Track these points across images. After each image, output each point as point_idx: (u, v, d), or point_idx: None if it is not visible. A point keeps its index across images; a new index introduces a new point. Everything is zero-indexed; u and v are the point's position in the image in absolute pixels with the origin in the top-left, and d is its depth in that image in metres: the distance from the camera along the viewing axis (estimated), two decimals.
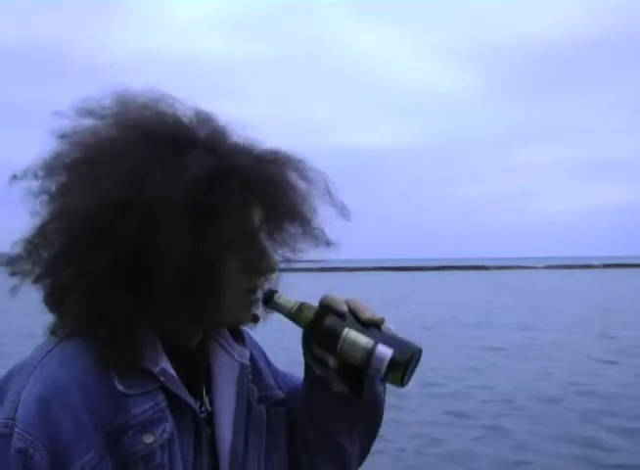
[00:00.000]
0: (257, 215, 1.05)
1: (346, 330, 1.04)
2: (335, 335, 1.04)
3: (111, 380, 0.96)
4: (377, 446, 1.23)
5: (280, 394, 1.22)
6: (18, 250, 1.02)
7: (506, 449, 7.10)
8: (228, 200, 0.99)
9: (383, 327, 1.05)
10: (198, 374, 1.09)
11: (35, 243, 1.01)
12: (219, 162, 1.00)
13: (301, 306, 1.08)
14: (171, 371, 1.01)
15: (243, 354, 1.14)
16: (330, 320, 1.05)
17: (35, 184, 1.03)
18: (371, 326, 1.05)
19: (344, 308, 1.06)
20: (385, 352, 1.01)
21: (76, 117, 1.04)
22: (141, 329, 0.99)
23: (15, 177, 1.04)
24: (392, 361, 1.01)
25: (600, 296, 32.32)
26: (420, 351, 1.03)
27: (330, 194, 1.11)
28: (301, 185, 1.09)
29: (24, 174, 1.04)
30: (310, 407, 1.16)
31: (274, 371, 1.26)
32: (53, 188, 1.02)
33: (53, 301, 1.01)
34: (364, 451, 1.21)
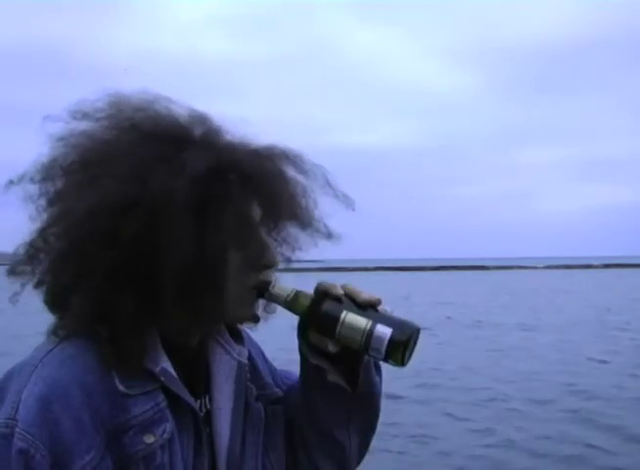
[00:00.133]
0: (257, 212, 1.06)
1: (344, 313, 1.04)
2: (333, 319, 1.04)
3: (111, 380, 0.96)
4: (373, 445, 1.23)
5: (278, 392, 1.22)
6: (19, 254, 1.02)
7: (502, 451, 7.09)
8: (228, 195, 0.99)
9: (380, 308, 1.06)
10: (197, 373, 1.10)
11: (36, 246, 1.01)
12: (217, 158, 1.01)
13: (297, 294, 1.07)
14: (172, 371, 1.01)
15: (241, 353, 1.14)
16: (327, 305, 1.05)
17: (33, 188, 1.04)
18: (368, 308, 1.05)
19: (341, 292, 1.06)
20: (384, 331, 1.01)
21: (71, 120, 1.04)
22: (144, 329, 0.99)
23: (11, 182, 1.05)
24: (392, 341, 1.01)
25: (600, 296, 32.30)
26: (419, 330, 1.04)
27: (330, 186, 1.12)
28: (299, 178, 1.10)
29: (21, 179, 1.04)
30: (307, 401, 1.16)
31: (272, 370, 1.26)
32: (51, 192, 1.03)
33: (54, 301, 1.01)
34: (363, 448, 1.21)
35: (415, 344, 1.04)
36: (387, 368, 1.14)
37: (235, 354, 1.13)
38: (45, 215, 1.02)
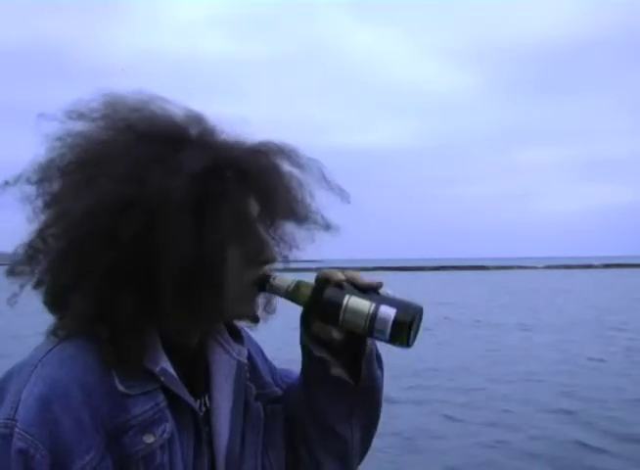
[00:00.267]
0: (254, 208, 1.06)
1: (347, 297, 1.04)
2: (336, 304, 1.04)
3: (111, 380, 0.96)
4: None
5: (277, 391, 1.22)
6: (18, 255, 1.02)
7: (498, 451, 7.08)
8: (225, 192, 1.00)
9: (381, 291, 1.06)
10: (197, 373, 1.10)
11: (35, 247, 1.02)
12: (214, 157, 1.01)
13: (298, 284, 1.08)
14: (171, 371, 1.01)
15: (241, 353, 1.15)
16: (329, 291, 1.05)
17: (29, 189, 1.04)
18: (370, 291, 1.05)
19: (342, 277, 1.06)
20: (388, 312, 1.01)
21: (67, 120, 1.05)
22: (143, 329, 0.99)
23: (7, 183, 1.05)
24: (396, 322, 1.01)
25: (600, 296, 32.28)
26: (422, 310, 1.04)
27: (325, 179, 1.12)
28: (295, 173, 1.10)
29: (17, 180, 1.04)
30: (309, 396, 1.16)
31: (272, 369, 1.26)
32: (49, 193, 1.03)
33: (53, 302, 1.01)
34: (365, 444, 1.20)
35: (419, 324, 1.04)
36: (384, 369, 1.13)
37: (234, 354, 1.13)
38: (43, 216, 1.03)
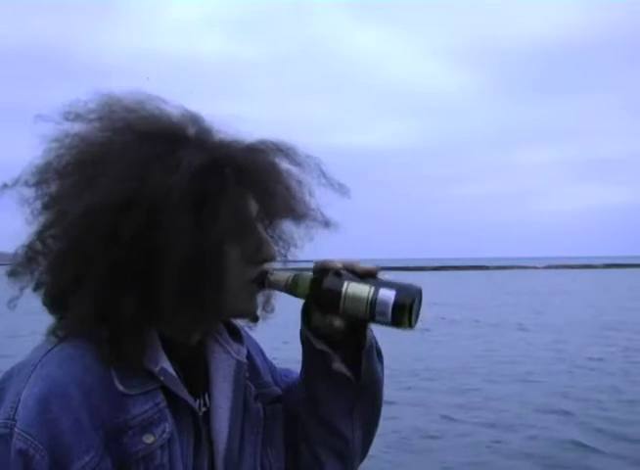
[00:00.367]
0: (254, 207, 1.07)
1: (346, 284, 1.04)
2: (336, 293, 1.04)
3: (110, 380, 0.96)
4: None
5: (277, 391, 1.22)
6: (18, 256, 1.02)
7: (494, 452, 7.07)
8: (224, 188, 1.00)
9: (379, 276, 1.06)
10: (196, 373, 1.10)
11: (35, 249, 1.02)
12: (212, 155, 1.02)
13: (296, 277, 1.08)
14: (171, 371, 1.01)
15: (240, 352, 1.15)
16: (328, 281, 1.05)
17: (28, 191, 1.04)
18: (368, 277, 1.05)
19: (339, 265, 1.06)
20: (388, 295, 1.02)
21: (63, 121, 1.05)
22: (144, 329, 0.99)
23: (5, 186, 1.05)
24: (397, 304, 1.01)
25: (599, 296, 32.28)
26: (421, 290, 1.04)
27: (325, 176, 1.12)
28: (294, 170, 1.11)
29: (16, 182, 1.04)
30: (310, 393, 1.16)
31: (271, 368, 1.26)
32: (47, 194, 1.03)
33: (53, 302, 1.01)
34: (366, 444, 1.20)
35: (420, 305, 1.04)
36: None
37: (233, 353, 1.14)
38: (42, 218, 1.03)
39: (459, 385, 10.53)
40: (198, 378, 1.10)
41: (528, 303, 27.98)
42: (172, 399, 1.00)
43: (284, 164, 1.10)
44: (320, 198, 1.13)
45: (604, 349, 14.32)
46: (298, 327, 1.13)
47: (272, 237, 1.13)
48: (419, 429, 7.85)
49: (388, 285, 1.03)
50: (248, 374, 1.16)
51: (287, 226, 1.15)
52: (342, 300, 1.03)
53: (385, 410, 1.23)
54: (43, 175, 1.04)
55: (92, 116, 1.05)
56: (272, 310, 1.16)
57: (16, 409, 0.91)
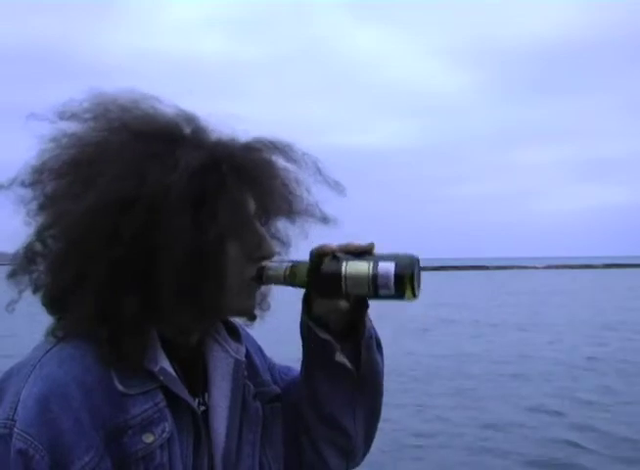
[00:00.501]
0: (252, 205, 1.07)
1: (344, 264, 1.04)
2: (336, 275, 1.04)
3: (110, 380, 0.96)
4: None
5: (276, 389, 1.21)
6: (18, 257, 1.02)
7: (490, 455, 7.06)
8: (223, 187, 1.01)
9: (374, 252, 1.06)
10: (196, 372, 1.10)
11: (34, 250, 1.02)
12: (210, 153, 1.02)
13: (294, 267, 1.08)
14: (171, 370, 1.01)
15: (238, 351, 1.15)
16: (326, 265, 1.05)
17: (24, 192, 1.04)
18: (365, 254, 1.06)
19: (335, 247, 1.07)
20: (387, 267, 1.02)
21: (58, 121, 1.05)
22: (145, 328, 0.99)
23: (1, 186, 1.05)
24: (398, 274, 1.01)
25: (599, 296, 32.27)
26: (418, 258, 1.04)
27: (321, 173, 1.13)
28: (291, 167, 1.11)
29: (12, 182, 1.04)
30: (311, 387, 1.16)
31: (270, 366, 1.26)
32: (45, 194, 1.03)
33: (53, 303, 1.01)
34: (368, 436, 1.20)
35: (419, 273, 1.04)
36: None
37: (232, 352, 1.14)
38: (40, 218, 1.03)
39: (456, 385, 10.52)
40: (197, 377, 1.09)
41: (528, 303, 27.97)
42: (172, 398, 1.00)
43: (281, 162, 1.10)
44: (318, 195, 1.14)
45: (602, 349, 14.32)
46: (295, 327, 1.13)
47: (270, 234, 1.13)
48: (413, 429, 7.84)
49: (386, 258, 1.04)
50: (246, 373, 1.16)
51: (283, 224, 1.15)
52: (344, 280, 1.04)
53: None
54: (39, 175, 1.04)
55: (87, 115, 1.05)
56: (268, 308, 1.16)
57: (15, 409, 0.91)
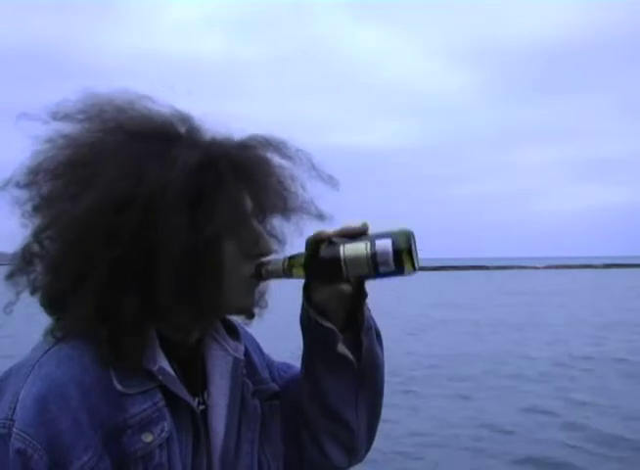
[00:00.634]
0: (248, 203, 1.07)
1: (342, 247, 1.05)
2: (335, 258, 1.05)
3: (109, 379, 0.96)
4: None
5: (274, 387, 1.21)
6: (16, 259, 1.02)
7: (485, 458, 7.04)
8: (220, 184, 1.01)
9: (369, 232, 1.07)
10: (195, 371, 1.10)
11: (32, 251, 1.02)
12: (206, 152, 1.03)
13: (292, 259, 1.09)
14: (169, 370, 1.01)
15: (237, 349, 1.15)
16: (323, 250, 1.06)
17: (19, 193, 1.04)
18: (360, 235, 1.06)
19: (330, 232, 1.07)
20: (384, 243, 1.03)
21: (52, 122, 1.05)
22: (143, 328, 0.99)
23: None
24: (396, 249, 1.02)
25: (599, 296, 32.26)
26: (412, 232, 1.05)
27: (315, 169, 1.13)
28: (285, 164, 1.12)
29: (7, 183, 1.04)
30: (313, 382, 1.16)
31: (269, 364, 1.26)
32: (41, 195, 1.03)
33: (52, 304, 1.01)
34: (370, 431, 1.20)
35: (416, 246, 1.05)
36: None
37: (231, 351, 1.14)
38: (36, 220, 1.03)
39: (452, 385, 10.51)
40: (196, 376, 1.10)
41: (528, 303, 27.98)
42: (171, 398, 1.00)
43: (276, 159, 1.11)
44: (314, 192, 1.14)
45: (601, 349, 14.32)
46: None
47: (266, 232, 1.13)
48: (409, 430, 7.83)
49: (381, 235, 1.05)
50: (245, 371, 1.16)
51: (279, 221, 1.16)
52: (343, 263, 1.04)
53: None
54: (34, 176, 1.03)
55: (81, 116, 1.05)
56: (266, 305, 1.17)
57: (14, 409, 0.91)
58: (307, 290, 1.11)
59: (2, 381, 0.98)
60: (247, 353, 1.18)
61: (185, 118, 1.08)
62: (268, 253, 1.09)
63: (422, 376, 11.25)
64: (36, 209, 1.03)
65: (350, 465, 1.22)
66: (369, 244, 1.03)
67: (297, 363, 1.22)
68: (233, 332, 1.17)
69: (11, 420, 0.91)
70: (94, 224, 0.96)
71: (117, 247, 0.96)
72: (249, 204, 1.07)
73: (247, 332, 1.23)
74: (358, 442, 1.19)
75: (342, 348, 1.11)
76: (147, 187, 0.97)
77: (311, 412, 1.17)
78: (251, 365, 1.19)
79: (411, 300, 30.22)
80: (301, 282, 1.11)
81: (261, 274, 1.08)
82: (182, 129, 1.06)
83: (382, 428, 1.23)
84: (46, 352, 0.97)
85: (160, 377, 0.99)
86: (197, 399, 1.07)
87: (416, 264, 1.04)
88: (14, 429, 0.90)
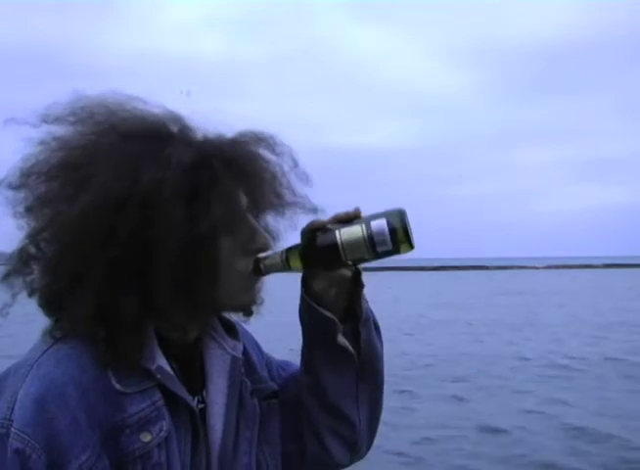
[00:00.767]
0: (243, 199, 1.08)
1: (338, 233, 1.05)
2: (332, 244, 1.05)
3: (107, 379, 0.96)
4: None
5: (273, 386, 1.22)
6: (12, 262, 1.02)
7: (480, 457, 7.04)
8: (214, 181, 1.01)
9: (362, 215, 1.08)
10: (194, 370, 1.10)
11: (29, 253, 1.02)
12: (200, 149, 1.03)
13: (289, 251, 1.09)
14: (168, 369, 1.01)
15: (235, 348, 1.15)
16: (320, 238, 1.07)
17: (12, 195, 1.04)
18: (353, 219, 1.07)
19: (325, 220, 1.08)
20: (379, 223, 1.04)
21: (44, 124, 1.05)
22: (142, 327, 0.99)
23: None
24: (391, 228, 1.03)
25: (599, 296, 32.25)
26: (405, 210, 1.06)
27: (297, 165, 1.14)
28: (277, 160, 1.12)
29: (0, 185, 1.04)
30: (313, 377, 1.16)
31: (268, 362, 1.26)
32: (34, 197, 1.03)
33: (50, 305, 1.01)
34: (372, 426, 1.21)
35: (410, 224, 1.05)
36: None
37: (229, 349, 1.14)
38: (31, 222, 1.03)
39: (449, 386, 10.50)
40: (195, 375, 1.10)
41: (528, 303, 27.98)
42: (169, 396, 1.00)
43: (268, 155, 1.12)
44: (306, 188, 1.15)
45: (600, 349, 14.30)
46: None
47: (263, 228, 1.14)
48: (404, 431, 7.82)
49: (376, 216, 1.06)
50: (243, 370, 1.16)
51: (273, 217, 1.16)
52: (341, 248, 1.05)
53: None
54: (27, 178, 1.03)
55: (72, 118, 1.05)
56: (262, 302, 1.16)
57: (12, 409, 0.91)
58: (306, 281, 1.12)
59: (0, 381, 0.98)
60: (245, 352, 1.18)
61: (177, 118, 1.08)
62: (265, 248, 1.09)
63: (417, 376, 11.24)
64: (29, 210, 1.03)
65: (352, 462, 1.22)
66: (364, 226, 1.04)
67: (297, 361, 1.22)
68: (231, 331, 1.17)
69: (9, 420, 0.91)
70: (90, 225, 0.96)
71: (114, 247, 0.96)
72: (244, 200, 1.08)
73: (245, 331, 1.23)
74: (359, 437, 1.19)
75: (341, 339, 1.12)
76: (143, 186, 0.97)
77: (311, 407, 1.17)
78: (249, 364, 1.19)
79: (410, 300, 30.23)
80: (299, 281, 1.12)
81: (260, 269, 1.08)
82: (174, 129, 1.07)
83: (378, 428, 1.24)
84: (44, 353, 0.97)
85: (159, 376, 0.99)
86: (195, 398, 1.07)
87: (413, 243, 1.04)
88: (12, 429, 0.90)
